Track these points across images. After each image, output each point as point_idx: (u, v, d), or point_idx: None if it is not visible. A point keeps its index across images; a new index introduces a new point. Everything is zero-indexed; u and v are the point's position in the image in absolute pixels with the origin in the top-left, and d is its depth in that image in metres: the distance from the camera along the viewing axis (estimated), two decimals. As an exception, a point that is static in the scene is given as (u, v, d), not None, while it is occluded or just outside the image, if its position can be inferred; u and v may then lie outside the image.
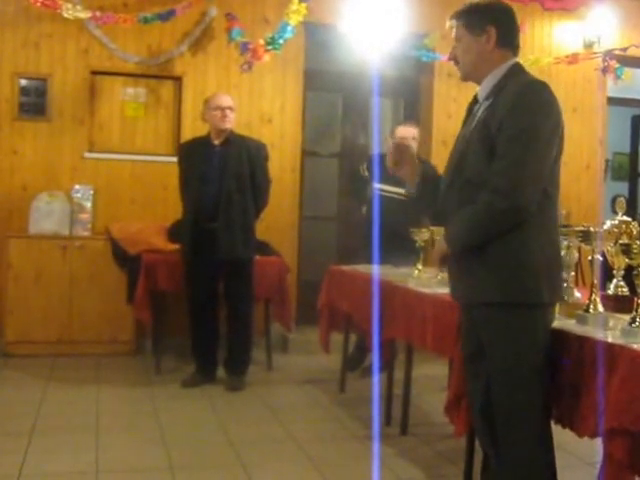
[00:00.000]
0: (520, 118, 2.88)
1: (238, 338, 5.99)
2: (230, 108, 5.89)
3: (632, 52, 7.81)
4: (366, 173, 6.46)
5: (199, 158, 5.89)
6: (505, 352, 3.00)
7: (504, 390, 3.02)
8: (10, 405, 5.30)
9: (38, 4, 6.36)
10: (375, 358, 5.10)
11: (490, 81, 3.12)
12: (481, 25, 3.10)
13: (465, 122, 3.27)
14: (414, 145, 6.30)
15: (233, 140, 5.92)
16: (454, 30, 3.20)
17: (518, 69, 3.12)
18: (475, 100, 3.24)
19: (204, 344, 6.05)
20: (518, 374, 2.98)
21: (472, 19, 3.13)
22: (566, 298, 3.34)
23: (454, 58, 3.25)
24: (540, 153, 2.91)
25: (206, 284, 5.96)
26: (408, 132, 6.27)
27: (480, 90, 3.19)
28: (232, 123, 5.92)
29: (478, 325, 3.13)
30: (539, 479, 3.03)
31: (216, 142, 5.91)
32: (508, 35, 3.14)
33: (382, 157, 6.40)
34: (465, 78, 3.28)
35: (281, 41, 6.66)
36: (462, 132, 3.23)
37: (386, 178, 6.20)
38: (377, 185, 6.23)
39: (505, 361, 3.00)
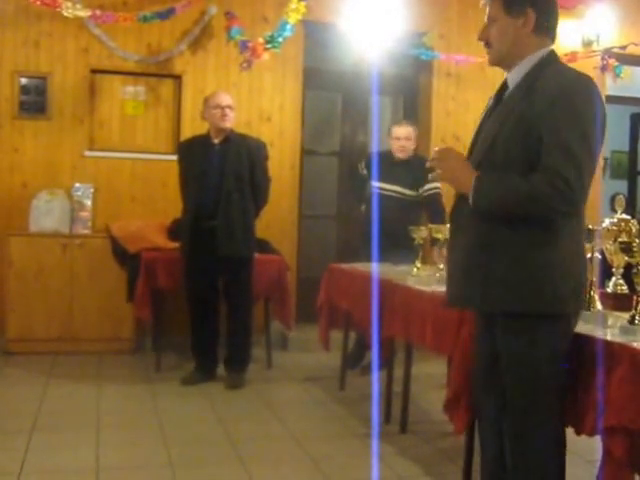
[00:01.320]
0: (573, 119, 2.72)
1: (237, 336, 6.01)
2: (230, 107, 5.89)
3: (631, 50, 7.84)
4: (364, 171, 6.49)
5: (199, 157, 5.90)
6: (526, 365, 2.88)
7: (522, 402, 2.92)
8: (11, 402, 5.32)
9: (38, 3, 6.36)
10: (374, 356, 5.12)
11: (523, 68, 2.93)
12: (520, 6, 2.90)
13: (492, 109, 3.07)
14: (409, 145, 6.32)
15: (233, 139, 5.93)
16: (487, 8, 2.97)
17: (553, 58, 2.95)
18: (503, 87, 3.05)
19: (204, 342, 6.06)
20: (537, 388, 2.89)
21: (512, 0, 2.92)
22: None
23: (485, 40, 3.00)
24: (594, 154, 2.77)
25: (206, 282, 5.97)
26: (402, 132, 6.29)
27: (511, 77, 2.99)
28: (232, 122, 5.93)
29: (496, 334, 2.99)
30: None
31: (216, 141, 5.92)
32: (546, 21, 2.94)
33: (381, 155, 6.43)
34: (495, 63, 3.03)
35: (280, 40, 6.67)
36: (490, 120, 3.02)
37: (385, 176, 6.22)
38: (376, 183, 6.26)
39: (525, 375, 2.89)
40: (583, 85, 2.81)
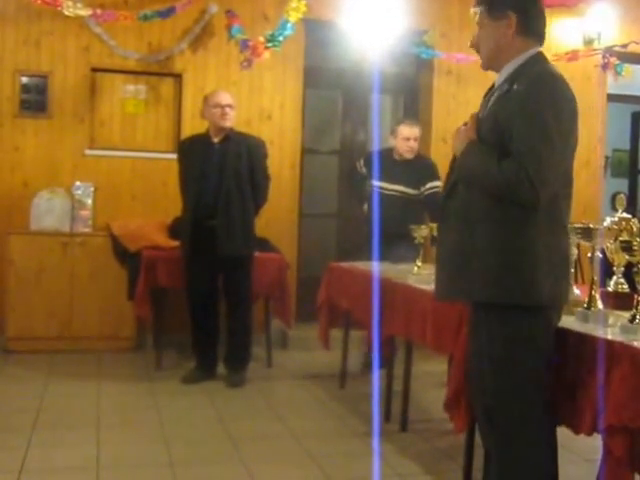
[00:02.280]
0: (532, 116, 2.77)
1: (237, 335, 6.01)
2: (230, 106, 5.89)
3: (632, 48, 7.82)
4: (363, 169, 6.48)
5: (198, 155, 5.90)
6: (502, 356, 2.91)
7: (501, 395, 2.95)
8: (12, 401, 5.32)
9: (39, 2, 6.37)
10: (375, 354, 5.12)
11: (507, 69, 2.98)
12: (501, 10, 2.97)
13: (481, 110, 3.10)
14: (417, 145, 6.32)
15: (232, 137, 5.93)
16: (476, 17, 3.07)
17: (538, 58, 2.99)
18: (492, 88, 3.09)
19: (204, 340, 6.06)
20: (519, 385, 2.91)
21: (493, 3, 2.99)
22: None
23: (475, 46, 3.11)
24: (559, 149, 2.80)
25: (206, 281, 5.97)
26: (412, 132, 6.27)
27: (497, 79, 3.06)
28: (232, 121, 5.93)
29: (481, 332, 3.02)
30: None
31: (215, 140, 5.92)
32: (530, 22, 3.00)
33: (381, 154, 6.42)
34: (485, 67, 3.12)
35: (281, 38, 6.67)
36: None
37: (387, 175, 6.22)
38: (377, 182, 6.25)
39: (501, 366, 2.92)
40: (551, 84, 2.86)
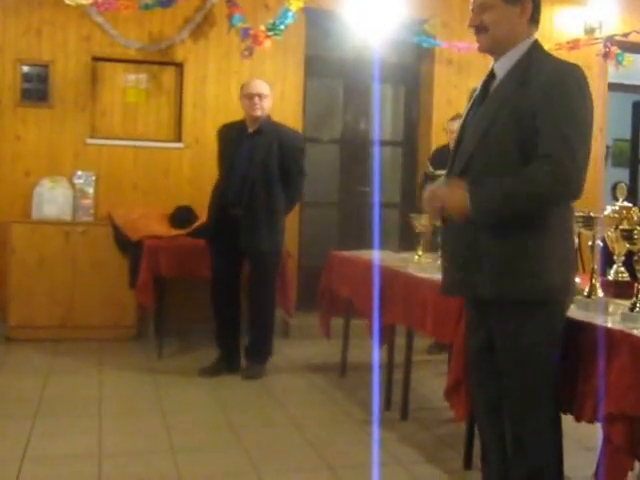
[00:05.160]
0: (567, 106, 2.76)
1: (255, 328, 5.94)
2: (260, 95, 5.76)
3: (633, 38, 7.80)
4: (430, 169, 6.49)
5: (233, 142, 5.82)
6: (523, 350, 2.91)
7: (518, 386, 2.96)
8: (13, 389, 5.34)
9: (40, -10, 6.38)
10: (375, 343, 5.13)
11: (512, 57, 2.95)
12: None
13: (479, 100, 3.07)
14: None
15: (265, 129, 5.81)
16: None
17: (540, 48, 2.99)
18: (491, 76, 3.06)
19: (224, 328, 5.97)
20: (535, 372, 2.92)
21: None
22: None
23: (478, 26, 3.02)
24: (588, 139, 2.80)
25: (228, 269, 5.88)
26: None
27: (499, 66, 3.01)
28: (264, 110, 5.80)
29: (491, 321, 3.03)
30: (550, 469, 3.00)
31: (250, 130, 5.83)
32: (538, 11, 3.01)
33: (442, 150, 6.47)
34: (487, 48, 3.05)
35: (282, 27, 6.66)
36: (480, 111, 3.02)
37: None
38: (438, 172, 6.29)
39: (522, 360, 2.93)
40: (575, 74, 2.85)
